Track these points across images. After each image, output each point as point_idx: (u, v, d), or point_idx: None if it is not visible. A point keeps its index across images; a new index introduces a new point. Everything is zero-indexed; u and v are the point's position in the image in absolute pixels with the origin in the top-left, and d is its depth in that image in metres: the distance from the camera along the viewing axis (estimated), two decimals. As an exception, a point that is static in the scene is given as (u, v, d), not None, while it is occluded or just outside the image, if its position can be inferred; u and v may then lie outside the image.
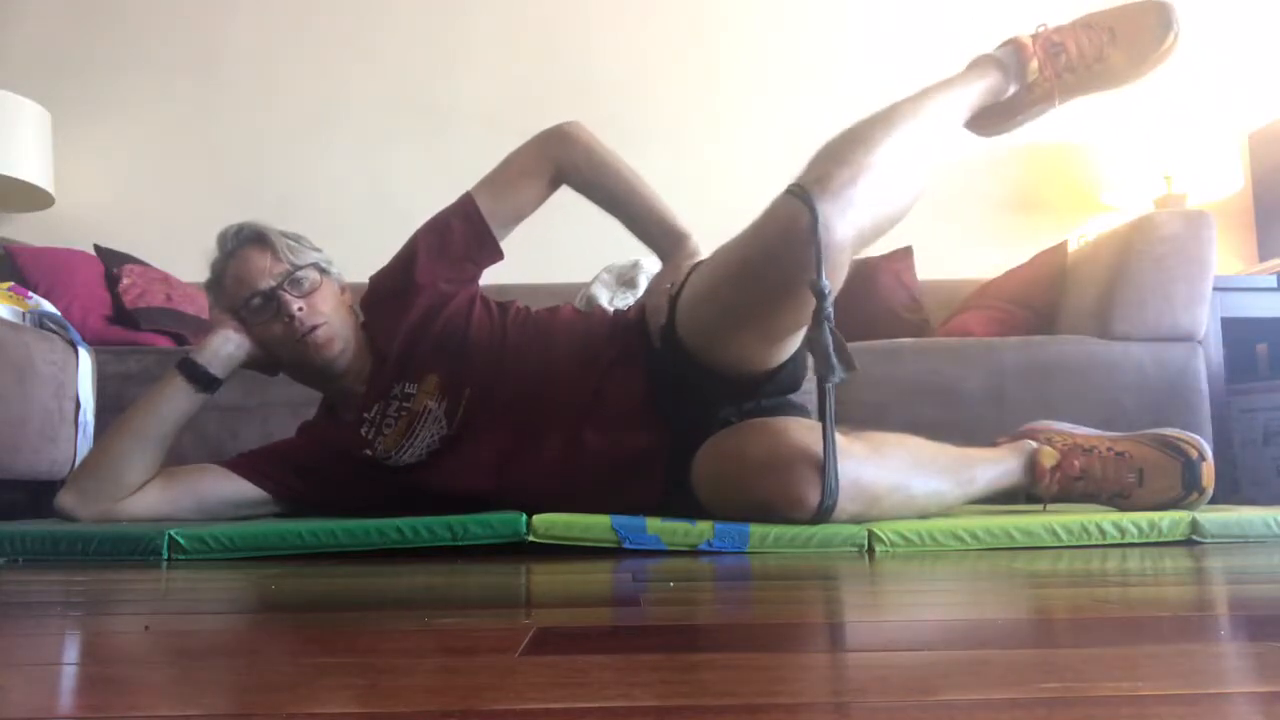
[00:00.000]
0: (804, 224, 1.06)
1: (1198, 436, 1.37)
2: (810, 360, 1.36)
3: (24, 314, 1.94)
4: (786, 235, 1.08)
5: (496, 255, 1.43)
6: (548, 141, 1.43)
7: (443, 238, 1.40)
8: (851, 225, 1.09)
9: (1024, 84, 1.33)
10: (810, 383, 1.45)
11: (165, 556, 1.12)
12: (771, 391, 1.30)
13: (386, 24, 2.99)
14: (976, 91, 1.30)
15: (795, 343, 1.27)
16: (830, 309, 1.08)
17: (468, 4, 3.00)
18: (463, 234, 1.40)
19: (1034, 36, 1.34)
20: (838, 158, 1.12)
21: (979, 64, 1.34)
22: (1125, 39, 1.31)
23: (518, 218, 1.44)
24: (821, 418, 1.14)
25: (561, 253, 2.26)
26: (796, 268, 1.08)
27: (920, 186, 1.19)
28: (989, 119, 1.37)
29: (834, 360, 1.09)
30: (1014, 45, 1.34)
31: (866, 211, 1.11)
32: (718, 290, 1.18)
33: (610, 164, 1.42)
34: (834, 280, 1.09)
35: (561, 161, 1.41)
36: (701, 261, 1.30)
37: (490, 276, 1.46)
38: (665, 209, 1.42)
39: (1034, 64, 1.32)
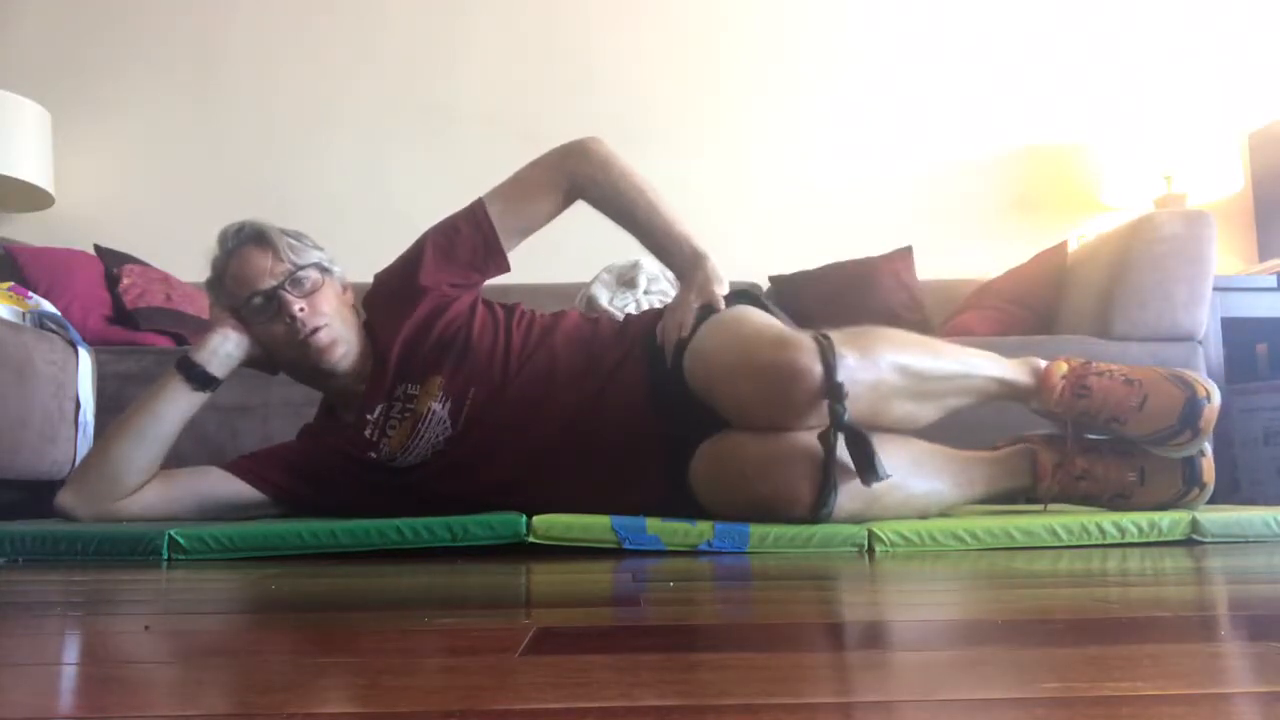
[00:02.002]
0: (807, 364, 1.14)
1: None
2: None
3: (24, 314, 1.94)
4: (785, 374, 1.14)
5: (503, 266, 1.41)
6: (565, 155, 1.40)
7: (451, 242, 1.39)
8: (872, 367, 1.17)
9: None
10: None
11: (165, 556, 1.12)
12: None
13: (386, 24, 2.99)
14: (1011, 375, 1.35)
15: None
16: (845, 417, 1.12)
17: (468, 4, 3.00)
18: (470, 240, 1.39)
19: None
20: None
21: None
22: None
23: (528, 229, 1.42)
24: (831, 425, 1.14)
25: (562, 253, 2.25)
26: (793, 403, 1.15)
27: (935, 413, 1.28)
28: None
29: (877, 463, 1.12)
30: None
31: (894, 371, 1.19)
32: (720, 385, 1.22)
33: (628, 180, 1.38)
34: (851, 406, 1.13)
35: (578, 176, 1.38)
36: (718, 317, 1.30)
37: (492, 278, 1.45)
38: (684, 228, 1.37)
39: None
